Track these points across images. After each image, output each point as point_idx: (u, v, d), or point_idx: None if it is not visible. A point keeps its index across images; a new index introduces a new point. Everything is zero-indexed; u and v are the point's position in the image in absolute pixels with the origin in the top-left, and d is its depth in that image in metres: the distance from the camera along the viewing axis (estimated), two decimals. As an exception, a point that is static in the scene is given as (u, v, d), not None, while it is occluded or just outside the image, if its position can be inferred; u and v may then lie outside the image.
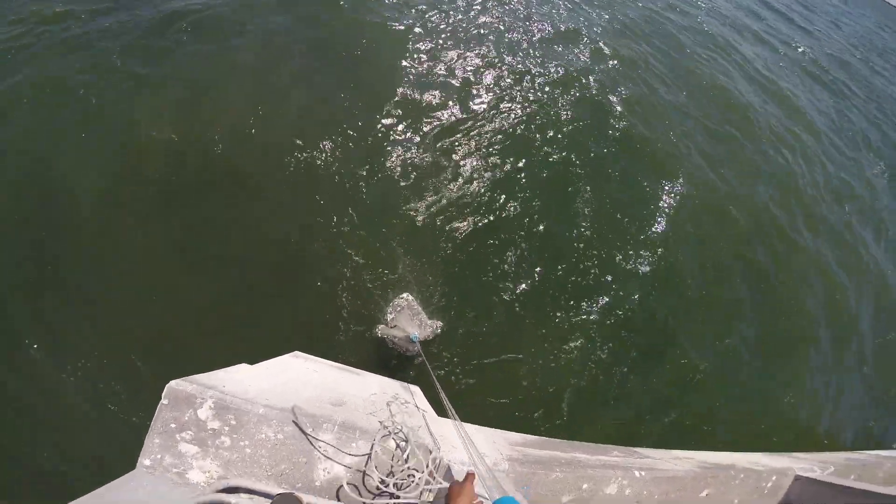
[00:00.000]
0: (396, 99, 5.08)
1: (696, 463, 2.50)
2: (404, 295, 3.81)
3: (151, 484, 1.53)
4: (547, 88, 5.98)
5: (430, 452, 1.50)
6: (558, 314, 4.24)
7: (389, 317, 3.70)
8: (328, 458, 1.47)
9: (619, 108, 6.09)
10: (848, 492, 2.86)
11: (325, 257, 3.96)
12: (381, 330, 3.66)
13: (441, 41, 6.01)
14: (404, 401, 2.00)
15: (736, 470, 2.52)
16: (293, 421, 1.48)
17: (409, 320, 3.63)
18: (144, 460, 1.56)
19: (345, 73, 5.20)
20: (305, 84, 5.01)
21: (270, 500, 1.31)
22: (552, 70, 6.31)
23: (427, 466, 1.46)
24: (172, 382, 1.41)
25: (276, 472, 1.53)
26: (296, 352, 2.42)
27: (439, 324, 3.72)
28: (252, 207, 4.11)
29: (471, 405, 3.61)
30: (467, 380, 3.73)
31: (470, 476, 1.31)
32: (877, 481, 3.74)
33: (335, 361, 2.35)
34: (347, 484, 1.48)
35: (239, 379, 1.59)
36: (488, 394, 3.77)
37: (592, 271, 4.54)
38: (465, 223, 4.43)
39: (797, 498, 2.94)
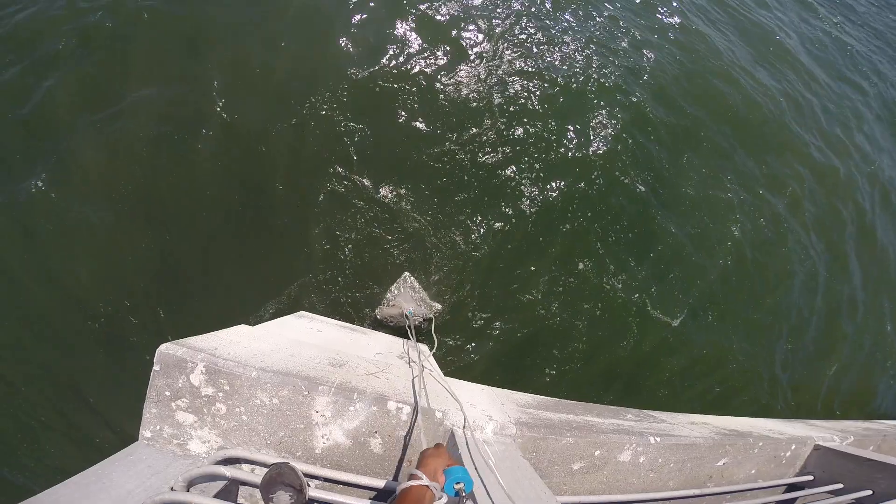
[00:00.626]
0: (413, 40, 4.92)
1: (713, 429, 2.42)
2: (405, 275, 3.77)
3: (151, 457, 1.49)
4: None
5: (432, 412, 1.43)
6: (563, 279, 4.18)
7: (389, 296, 3.66)
8: (326, 423, 1.41)
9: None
10: (867, 464, 2.77)
11: (330, 218, 3.89)
12: (379, 311, 3.62)
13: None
14: (410, 360, 1.93)
15: (754, 438, 2.43)
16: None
17: (408, 299, 3.59)
18: (145, 432, 1.52)
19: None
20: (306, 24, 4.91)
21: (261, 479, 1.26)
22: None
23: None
24: (162, 346, 1.36)
25: (274, 441, 1.48)
26: (301, 311, 2.35)
27: (438, 306, 3.68)
28: (248, 161, 4.04)
29: (479, 372, 3.60)
30: (474, 347, 3.72)
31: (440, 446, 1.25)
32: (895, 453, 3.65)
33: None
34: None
35: (235, 340, 1.52)
36: (494, 360, 3.77)
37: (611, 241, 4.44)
38: (475, 197, 4.32)
39: (815, 468, 2.86)
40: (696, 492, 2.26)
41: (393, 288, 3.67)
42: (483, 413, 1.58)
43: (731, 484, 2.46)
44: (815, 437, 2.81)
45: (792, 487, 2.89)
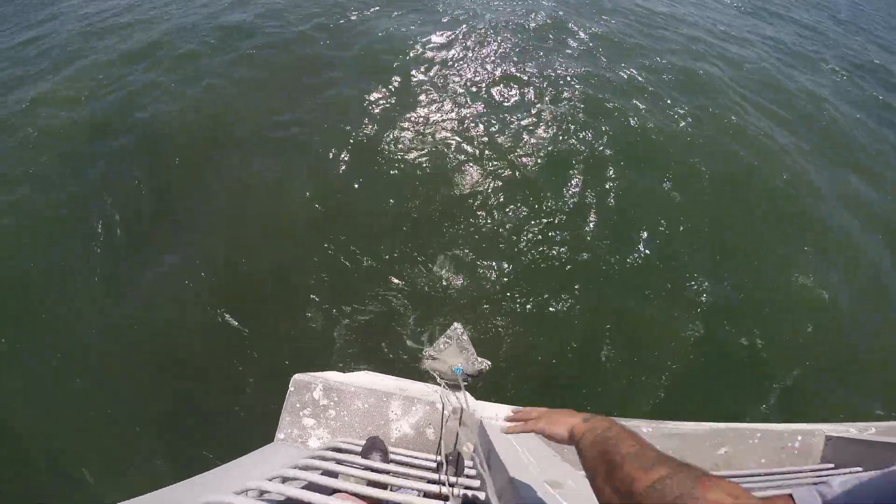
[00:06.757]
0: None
1: (710, 427, 2.83)
2: (456, 326, 3.73)
3: (287, 449, 2.29)
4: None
5: (466, 410, 2.13)
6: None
7: (438, 345, 3.62)
8: (397, 419, 2.16)
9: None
10: (887, 447, 2.90)
11: (377, 274, 4.79)
12: (426, 363, 3.63)
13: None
14: (454, 393, 2.64)
15: (751, 430, 2.82)
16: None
17: (456, 353, 3.51)
18: (279, 434, 2.32)
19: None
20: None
21: (362, 447, 2.00)
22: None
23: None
24: (296, 375, 2.19)
25: (364, 434, 2.24)
26: (366, 370, 3.17)
27: (488, 363, 3.59)
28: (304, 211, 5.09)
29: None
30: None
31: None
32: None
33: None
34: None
35: (333, 376, 2.33)
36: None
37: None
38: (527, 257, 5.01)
39: (833, 458, 3.07)
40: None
41: (442, 338, 3.62)
42: (505, 411, 2.26)
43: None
44: (825, 430, 3.08)
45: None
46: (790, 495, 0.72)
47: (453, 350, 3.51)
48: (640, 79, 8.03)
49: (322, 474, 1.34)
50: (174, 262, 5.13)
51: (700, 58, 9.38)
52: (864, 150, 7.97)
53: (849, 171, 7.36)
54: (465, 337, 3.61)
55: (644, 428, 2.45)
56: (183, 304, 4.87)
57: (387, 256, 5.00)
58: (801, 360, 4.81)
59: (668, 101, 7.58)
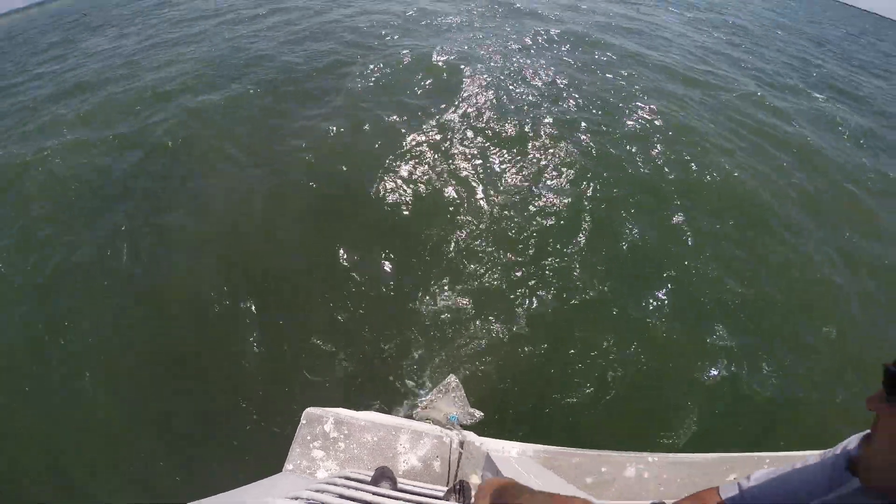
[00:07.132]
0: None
1: (718, 456, 2.83)
2: (450, 377, 3.79)
3: (293, 478, 2.33)
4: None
5: (472, 443, 2.18)
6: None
7: (432, 397, 3.65)
8: (405, 452, 2.21)
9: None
10: None
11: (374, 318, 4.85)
12: (421, 412, 3.57)
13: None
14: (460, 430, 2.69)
15: (759, 458, 2.81)
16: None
17: (451, 403, 3.53)
18: (288, 465, 2.37)
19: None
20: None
21: (371, 477, 2.04)
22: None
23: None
24: (308, 409, 2.27)
25: (373, 466, 2.28)
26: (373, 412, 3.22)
27: (481, 413, 3.58)
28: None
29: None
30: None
31: None
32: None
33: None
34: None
35: (343, 411, 2.41)
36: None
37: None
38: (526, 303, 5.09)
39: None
40: None
41: (436, 390, 3.68)
42: (510, 446, 2.31)
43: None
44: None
45: None
46: (717, 487, 0.95)
47: (448, 401, 3.55)
48: (641, 122, 8.32)
49: (335, 497, 1.41)
50: (185, 270, 5.33)
51: (695, 90, 9.76)
52: (863, 174, 8.14)
53: (855, 198, 7.49)
54: (459, 388, 3.66)
55: (649, 458, 2.47)
56: (185, 306, 5.03)
57: (391, 285, 5.13)
58: (819, 397, 4.77)
59: (671, 136, 7.85)
